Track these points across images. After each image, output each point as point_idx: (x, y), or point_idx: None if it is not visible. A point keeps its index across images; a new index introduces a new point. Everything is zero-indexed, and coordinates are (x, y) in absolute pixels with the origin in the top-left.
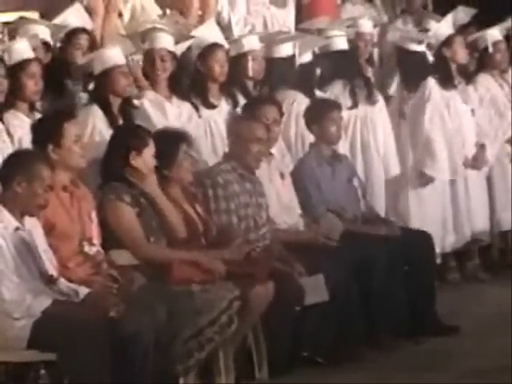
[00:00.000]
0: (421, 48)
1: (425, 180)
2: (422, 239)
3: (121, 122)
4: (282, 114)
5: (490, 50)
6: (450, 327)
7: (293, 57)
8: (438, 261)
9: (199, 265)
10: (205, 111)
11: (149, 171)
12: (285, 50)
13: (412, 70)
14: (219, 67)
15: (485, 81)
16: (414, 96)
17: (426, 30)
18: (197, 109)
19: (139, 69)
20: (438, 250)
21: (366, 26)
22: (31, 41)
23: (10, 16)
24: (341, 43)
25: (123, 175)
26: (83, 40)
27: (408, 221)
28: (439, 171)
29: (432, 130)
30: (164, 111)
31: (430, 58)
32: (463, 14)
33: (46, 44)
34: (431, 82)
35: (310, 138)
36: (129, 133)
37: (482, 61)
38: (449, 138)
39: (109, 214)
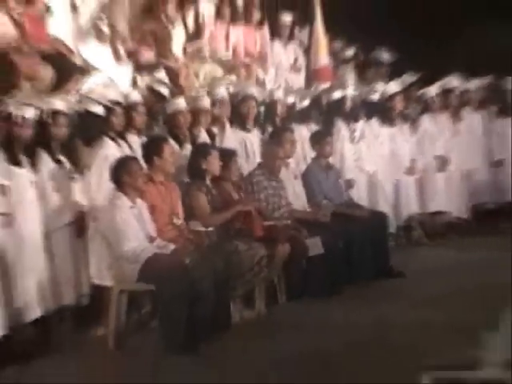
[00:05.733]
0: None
1: None
2: (381, 217)
3: (189, 144)
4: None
5: (430, 100)
6: (400, 272)
7: (294, 104)
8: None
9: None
10: (242, 133)
11: (214, 172)
12: (290, 99)
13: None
14: (252, 110)
15: (426, 119)
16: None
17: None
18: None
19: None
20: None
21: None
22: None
23: None
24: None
25: (200, 174)
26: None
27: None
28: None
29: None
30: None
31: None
32: (410, 77)
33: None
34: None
35: (311, 154)
36: (197, 148)
37: (425, 107)
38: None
39: (191, 199)
